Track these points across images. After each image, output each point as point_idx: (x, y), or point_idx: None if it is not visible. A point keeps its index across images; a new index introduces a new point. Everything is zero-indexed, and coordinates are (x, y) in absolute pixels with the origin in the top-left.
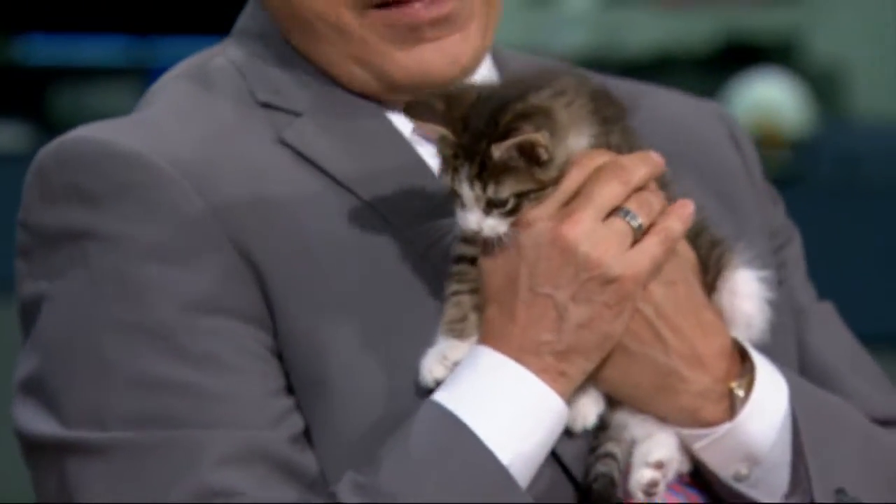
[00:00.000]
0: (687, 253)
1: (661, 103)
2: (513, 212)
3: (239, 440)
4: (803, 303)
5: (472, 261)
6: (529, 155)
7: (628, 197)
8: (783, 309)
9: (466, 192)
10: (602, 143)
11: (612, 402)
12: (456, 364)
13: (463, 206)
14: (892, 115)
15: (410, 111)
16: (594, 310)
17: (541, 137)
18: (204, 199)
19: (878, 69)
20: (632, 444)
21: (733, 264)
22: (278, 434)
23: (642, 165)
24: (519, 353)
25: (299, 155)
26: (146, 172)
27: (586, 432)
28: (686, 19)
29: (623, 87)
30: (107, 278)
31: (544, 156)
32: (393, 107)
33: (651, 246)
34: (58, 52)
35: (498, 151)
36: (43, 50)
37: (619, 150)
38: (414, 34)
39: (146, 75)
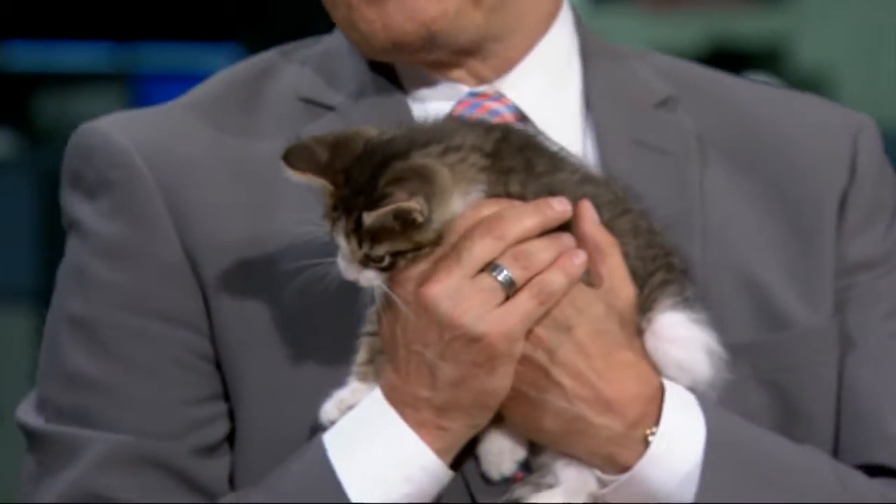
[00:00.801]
0: (619, 291)
1: (765, 108)
2: (389, 267)
3: (130, 445)
4: (856, 338)
5: None
6: (404, 219)
7: (504, 251)
8: (825, 340)
9: (343, 245)
10: (499, 192)
11: (538, 445)
12: (350, 408)
13: (342, 255)
14: (879, 122)
15: (288, 159)
16: (464, 368)
17: (414, 204)
18: (168, 204)
19: (864, 75)
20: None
21: (660, 306)
22: (180, 443)
23: (529, 216)
24: (402, 406)
25: None
26: (125, 171)
27: (505, 480)
28: (672, 24)
29: (730, 84)
30: (74, 269)
31: (420, 219)
32: (424, 95)
33: (522, 302)
34: (41, 59)
35: (370, 219)
36: (26, 56)
37: (522, 198)
38: None
39: (130, 81)
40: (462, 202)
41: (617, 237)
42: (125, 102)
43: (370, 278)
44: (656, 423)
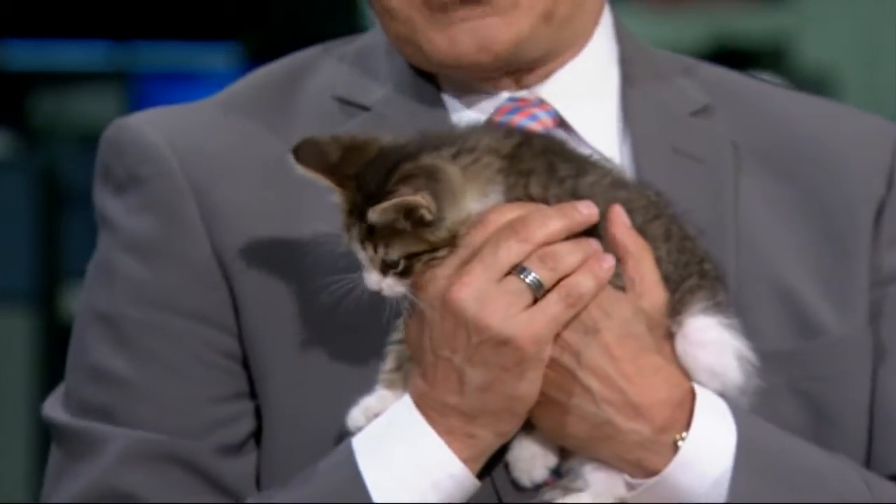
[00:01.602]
0: (650, 295)
1: (801, 115)
2: (406, 272)
3: (152, 442)
4: (889, 348)
5: None
6: (413, 217)
7: (531, 253)
8: (858, 349)
9: (360, 252)
10: (520, 195)
11: (567, 449)
12: (377, 416)
13: (363, 265)
14: None
15: (298, 152)
16: (492, 373)
17: (420, 199)
18: (198, 202)
19: (866, 74)
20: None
21: (690, 310)
22: (203, 442)
23: (555, 219)
24: (430, 413)
25: None
26: (155, 167)
27: (536, 486)
28: (675, 23)
29: (767, 94)
30: (101, 264)
31: (428, 216)
32: (462, 99)
33: (550, 304)
34: (38, 58)
35: (374, 215)
36: (23, 55)
37: (544, 201)
38: (445, 13)
39: (128, 80)
40: (479, 203)
41: (649, 241)
42: (123, 102)
43: (392, 286)
44: (686, 427)
